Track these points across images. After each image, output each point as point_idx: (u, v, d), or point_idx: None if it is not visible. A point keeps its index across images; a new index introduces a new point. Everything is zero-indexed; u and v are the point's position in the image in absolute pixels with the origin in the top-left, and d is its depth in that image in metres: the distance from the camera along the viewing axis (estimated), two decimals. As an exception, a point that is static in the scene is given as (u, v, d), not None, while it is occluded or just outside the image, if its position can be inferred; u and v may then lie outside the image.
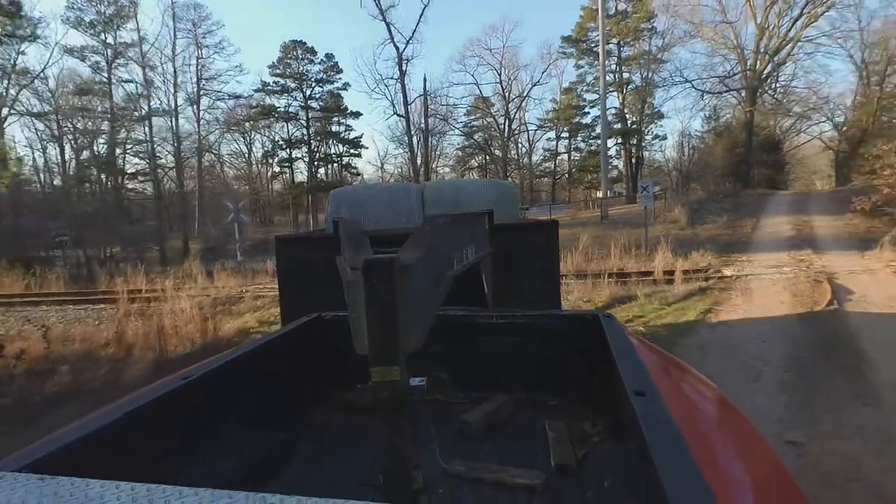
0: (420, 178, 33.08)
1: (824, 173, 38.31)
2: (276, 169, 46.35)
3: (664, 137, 39.94)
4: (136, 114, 33.69)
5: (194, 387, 1.46)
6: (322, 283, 2.23)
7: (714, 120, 35.64)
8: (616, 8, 35.74)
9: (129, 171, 34.81)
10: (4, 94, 27.76)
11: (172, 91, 34.09)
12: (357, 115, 43.98)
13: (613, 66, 36.06)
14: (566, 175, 44.15)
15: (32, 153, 33.61)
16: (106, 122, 32.95)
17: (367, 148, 46.66)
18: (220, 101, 38.61)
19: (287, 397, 1.92)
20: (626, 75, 36.95)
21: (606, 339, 1.70)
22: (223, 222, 17.27)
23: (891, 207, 15.40)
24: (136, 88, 33.78)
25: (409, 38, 31.43)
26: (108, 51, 32.98)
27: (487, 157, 43.69)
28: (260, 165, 47.18)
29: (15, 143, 31.35)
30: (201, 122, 37.15)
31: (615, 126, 35.80)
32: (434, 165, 41.11)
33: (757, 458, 1.27)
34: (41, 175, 34.36)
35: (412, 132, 34.96)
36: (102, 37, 32.93)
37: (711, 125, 35.67)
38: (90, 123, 33.31)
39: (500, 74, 40.77)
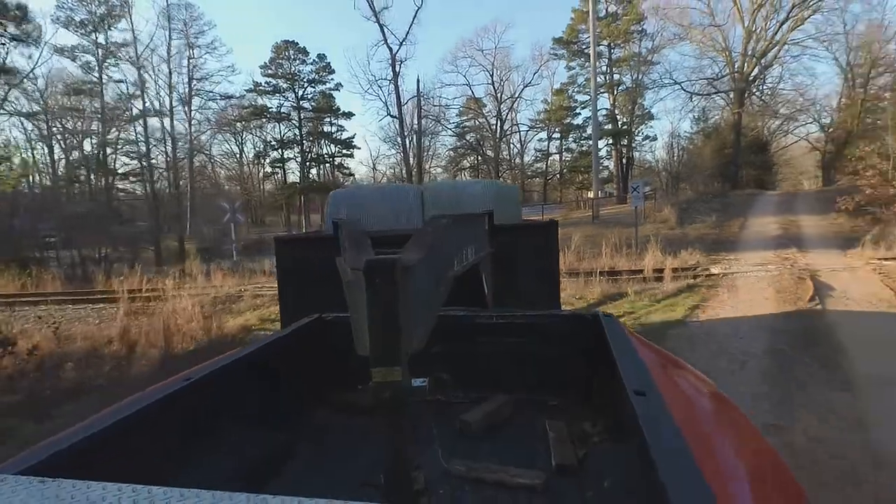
0: (413, 179, 33.23)
1: (811, 174, 38.92)
2: (268, 169, 46.29)
3: (654, 138, 40.41)
4: (126, 114, 33.58)
5: (196, 388, 1.47)
6: (322, 283, 2.26)
7: (703, 121, 36.18)
8: (607, 10, 36.09)
9: (120, 172, 34.66)
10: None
11: (168, 92, 34.00)
12: (349, 115, 44.07)
13: (604, 68, 36.41)
14: (558, 175, 44.47)
15: (20, 153, 33.37)
16: (97, 123, 32.80)
17: (359, 148, 46.76)
18: (211, 102, 38.53)
19: (288, 398, 1.92)
20: (616, 77, 37.33)
21: (607, 338, 1.71)
22: (219, 222, 17.35)
23: (873, 207, 15.84)
24: (127, 88, 33.65)
25: (403, 40, 31.62)
26: (100, 51, 32.83)
27: (479, 158, 43.91)
28: (251, 166, 47.11)
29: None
30: (193, 123, 37.11)
31: (606, 127, 36.13)
32: (427, 166, 41.32)
33: (757, 457, 1.28)
34: (31, 175, 34.12)
35: (405, 133, 35.13)
36: (93, 36, 32.79)
37: (700, 126, 36.19)
38: (80, 123, 33.15)
39: (491, 75, 41.06)
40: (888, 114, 19.49)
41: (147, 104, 33.60)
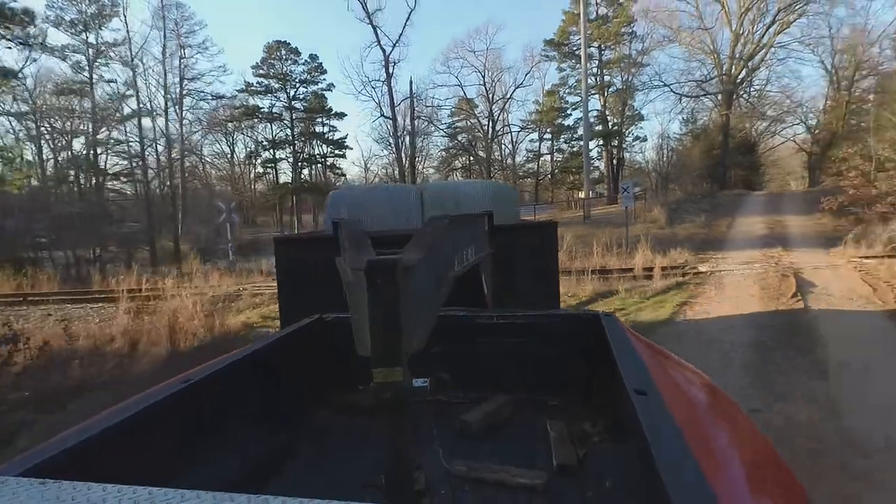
0: (406, 180, 33.39)
1: (798, 174, 39.55)
2: (260, 170, 46.23)
3: (644, 139, 40.85)
4: (117, 114, 33.41)
5: (196, 389, 1.46)
6: (321, 283, 2.28)
7: (692, 123, 36.68)
8: (597, 12, 36.47)
9: (111, 172, 34.48)
10: None
11: (164, 93, 33.86)
12: (342, 115, 44.12)
13: (595, 70, 36.75)
14: (549, 176, 44.77)
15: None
16: (87, 122, 32.61)
17: (351, 149, 46.76)
18: (203, 102, 38.40)
19: (288, 399, 1.92)
20: (607, 78, 37.69)
21: (607, 338, 1.71)
22: (215, 222, 17.42)
23: (855, 207, 16.26)
24: (117, 88, 33.48)
25: (396, 42, 31.75)
26: (90, 50, 32.65)
27: (471, 158, 44.13)
28: (243, 166, 47.00)
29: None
30: (184, 123, 36.98)
31: (597, 128, 36.49)
32: (420, 167, 41.50)
33: (758, 456, 1.28)
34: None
35: (399, 134, 35.28)
36: (84, 36, 32.61)
37: (689, 128, 36.69)
38: (69, 123, 32.95)
39: (483, 76, 41.24)
40: (871, 116, 19.96)
41: (137, 103, 33.44)
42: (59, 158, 34.26)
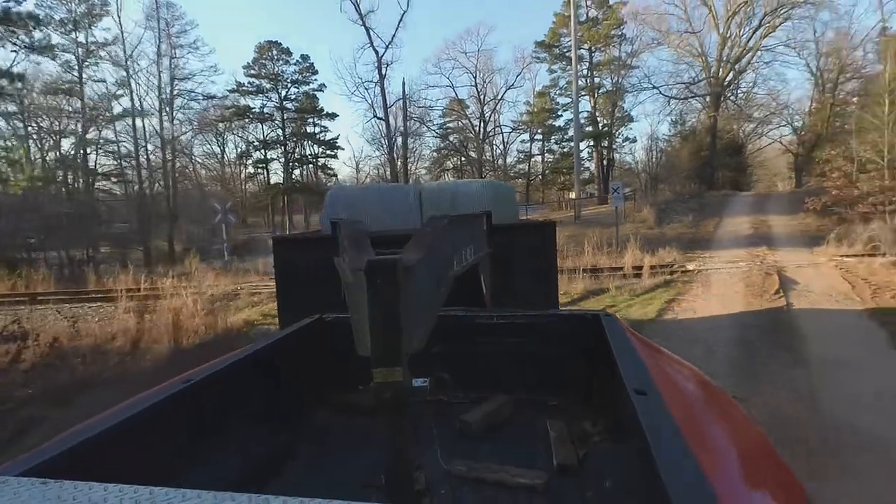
0: (399, 180, 33.53)
1: (785, 175, 40.12)
2: (251, 170, 46.12)
3: (634, 140, 41.25)
4: (107, 114, 33.23)
5: (196, 389, 1.46)
6: (320, 283, 2.29)
7: (680, 124, 37.15)
8: (587, 15, 36.85)
9: (102, 172, 34.26)
10: None
11: (157, 93, 33.72)
12: (333, 116, 44.14)
13: (585, 71, 37.11)
14: (540, 176, 45.10)
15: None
16: (78, 122, 32.39)
17: (343, 149, 46.75)
18: (193, 102, 38.25)
19: (288, 399, 1.92)
20: (597, 80, 38.08)
21: (607, 338, 1.71)
22: (210, 222, 17.48)
23: (838, 208, 16.71)
24: (107, 88, 33.30)
25: (389, 43, 31.90)
26: (80, 49, 32.46)
27: (463, 159, 44.35)
28: (234, 166, 46.84)
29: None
30: (175, 123, 36.83)
31: (587, 129, 36.87)
32: (413, 168, 41.65)
33: (758, 456, 1.29)
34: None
35: (391, 134, 35.43)
36: (74, 35, 32.41)
37: (678, 129, 37.14)
38: (57, 123, 32.71)
39: (475, 77, 41.49)
40: (854, 119, 20.45)
41: (128, 104, 33.29)
42: (47, 158, 34.00)
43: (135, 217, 27.20)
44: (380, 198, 4.22)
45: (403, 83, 34.75)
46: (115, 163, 34.55)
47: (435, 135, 43.45)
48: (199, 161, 43.40)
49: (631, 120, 39.33)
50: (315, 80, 43.17)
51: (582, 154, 34.00)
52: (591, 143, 38.27)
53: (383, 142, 37.22)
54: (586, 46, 36.39)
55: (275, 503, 0.59)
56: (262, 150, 43.83)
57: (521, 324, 2.13)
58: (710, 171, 31.79)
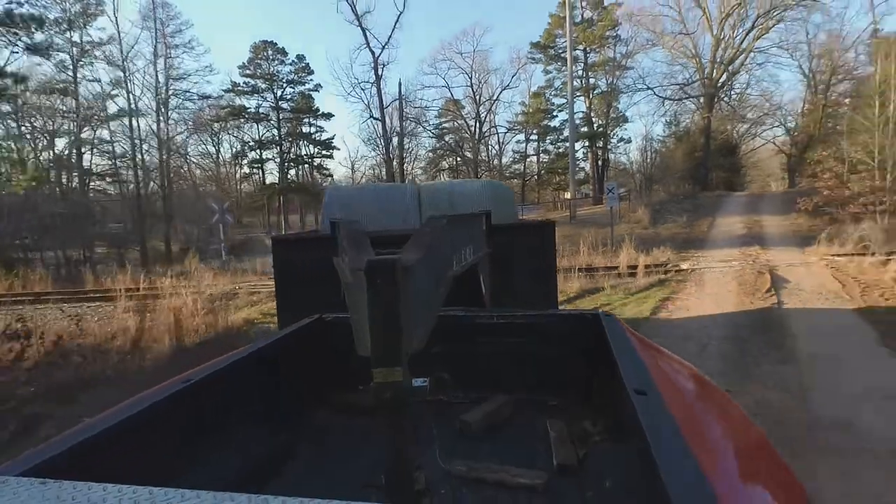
0: (395, 180, 33.61)
1: (778, 175, 40.46)
2: (246, 170, 46.07)
3: (629, 140, 41.48)
4: (102, 113, 33.12)
5: (195, 389, 1.46)
6: (319, 283, 2.30)
7: (674, 125, 37.39)
8: (582, 16, 37.04)
9: (96, 172, 34.16)
10: None
11: (154, 93, 33.63)
12: (329, 116, 44.17)
13: (580, 72, 37.28)
14: (535, 177, 45.25)
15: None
16: (71, 122, 32.27)
17: (338, 149, 46.75)
18: (188, 102, 38.15)
19: (288, 399, 1.91)
20: (592, 81, 38.26)
21: (607, 338, 1.71)
22: (208, 222, 17.51)
23: (830, 208, 16.93)
24: (102, 88, 33.19)
25: (385, 44, 31.97)
26: (75, 49, 32.34)
27: (458, 159, 44.46)
28: (229, 166, 46.76)
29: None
30: (170, 123, 36.74)
31: (582, 129, 37.06)
32: (410, 168, 41.74)
33: (759, 456, 1.29)
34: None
35: (388, 135, 35.50)
36: (68, 34, 32.29)
37: (672, 130, 37.39)
38: (51, 123, 32.57)
39: (470, 78, 41.61)
40: (845, 120, 20.69)
41: (123, 104, 33.20)
42: (41, 158, 33.84)
43: (129, 217, 27.14)
44: (378, 198, 4.24)
45: (400, 84, 34.87)
46: (110, 163, 34.48)
47: (431, 135, 43.56)
48: (195, 161, 43.32)
49: (626, 120, 39.58)
50: (311, 80, 43.19)
51: (577, 154, 34.25)
52: (587, 143, 38.44)
53: (379, 142, 37.27)
54: (581, 47, 36.56)
55: (274, 503, 0.59)
56: (258, 150, 43.81)
57: (521, 324, 2.13)
58: (704, 172, 32.05)
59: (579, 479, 1.47)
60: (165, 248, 24.12)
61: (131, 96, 32.84)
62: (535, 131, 43.23)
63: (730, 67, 33.10)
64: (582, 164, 40.58)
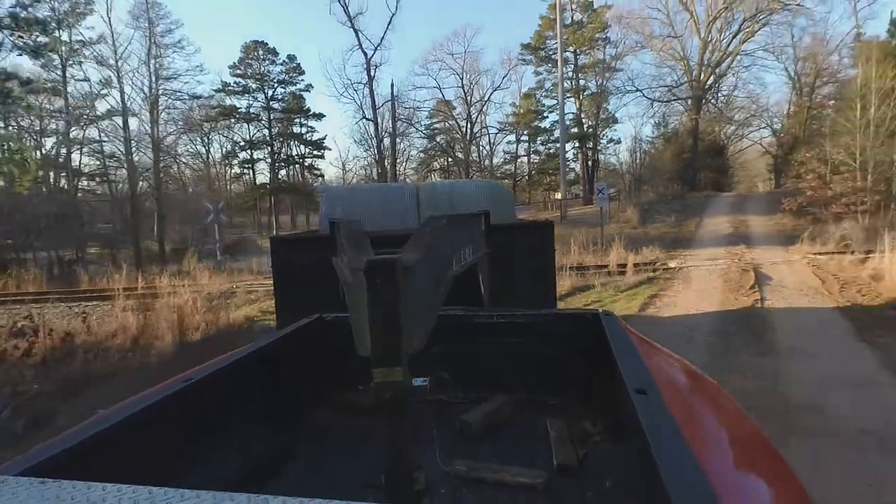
0: (387, 180, 33.77)
1: (765, 176, 41.09)
2: (237, 170, 45.96)
3: (618, 141, 41.97)
4: (90, 113, 32.94)
5: (195, 389, 1.46)
6: (317, 283, 2.33)
7: (663, 126, 37.95)
8: (572, 18, 37.46)
9: (86, 172, 33.97)
10: None
11: (147, 93, 33.49)
12: (320, 116, 44.19)
13: (570, 73, 37.66)
14: (526, 177, 45.57)
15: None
16: (59, 122, 32.07)
17: (329, 149, 46.77)
18: (179, 102, 38.00)
19: (288, 399, 1.91)
20: (582, 82, 38.70)
21: (607, 338, 1.71)
22: (203, 222, 17.59)
23: (813, 208, 17.38)
24: (91, 87, 33.01)
25: (378, 45, 32.14)
26: (64, 48, 32.12)
27: (450, 160, 44.67)
28: (219, 166, 46.59)
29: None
30: (160, 123, 36.59)
31: (572, 130, 37.44)
32: (402, 168, 41.90)
33: (759, 456, 1.28)
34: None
35: (380, 135, 35.68)
36: (57, 33, 32.06)
37: (661, 131, 37.94)
38: (38, 122, 32.34)
39: (461, 79, 41.84)
40: (828, 122, 21.22)
41: (117, 104, 33.04)
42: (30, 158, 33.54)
43: (118, 217, 27.04)
44: (377, 198, 4.28)
45: (392, 85, 35.04)
46: (99, 163, 34.29)
47: (422, 135, 43.74)
48: (184, 161, 43.13)
49: (615, 122, 40.04)
50: (302, 80, 43.20)
51: (567, 155, 34.56)
52: (577, 144, 38.82)
53: (371, 142, 37.43)
54: (571, 49, 36.95)
55: (274, 503, 0.59)
56: (248, 151, 43.73)
57: (521, 323, 2.13)
58: (693, 173, 32.57)
59: (579, 478, 1.47)
60: (159, 248, 24.11)
61: (118, 95, 32.71)
62: (525, 132, 43.54)
63: (717, 70, 33.72)
64: (572, 165, 40.93)
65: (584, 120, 38.89)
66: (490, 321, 2.16)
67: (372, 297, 1.00)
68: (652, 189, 32.61)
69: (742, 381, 4.55)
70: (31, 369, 5.95)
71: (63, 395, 5.51)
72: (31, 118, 32.61)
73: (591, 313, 2.08)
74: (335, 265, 1.50)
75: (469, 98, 42.38)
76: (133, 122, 33.43)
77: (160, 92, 35.84)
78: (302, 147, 45.41)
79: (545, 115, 41.91)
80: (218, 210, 15.92)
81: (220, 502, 0.61)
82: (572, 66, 37.79)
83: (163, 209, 29.37)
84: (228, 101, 42.03)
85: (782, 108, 35.82)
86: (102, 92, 32.83)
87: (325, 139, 45.22)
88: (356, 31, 31.46)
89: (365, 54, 32.25)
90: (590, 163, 38.84)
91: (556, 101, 34.45)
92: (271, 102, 42.90)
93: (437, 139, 44.60)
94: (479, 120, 43.48)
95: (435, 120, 44.55)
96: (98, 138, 33.61)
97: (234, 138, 43.61)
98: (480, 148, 45.46)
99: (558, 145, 32.23)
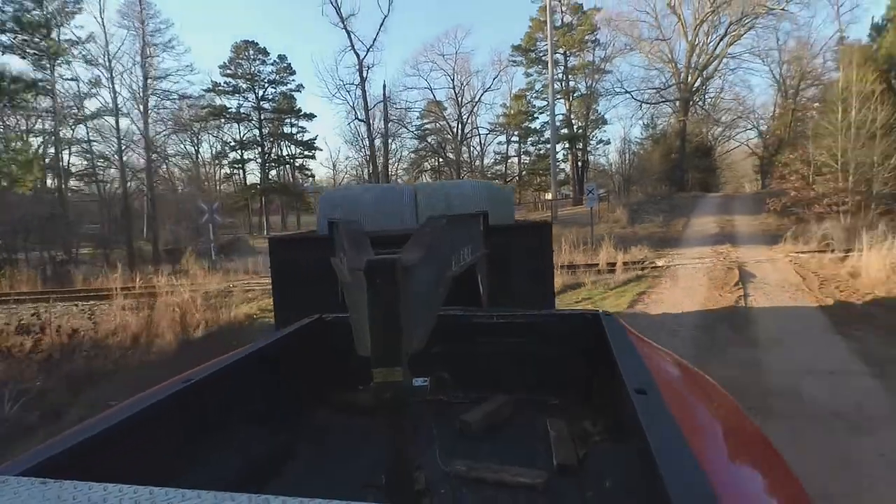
0: (379, 180, 33.91)
1: (752, 177, 41.81)
2: (227, 170, 45.80)
3: (608, 142, 42.57)
4: (77, 112, 32.71)
5: (195, 389, 1.46)
6: (316, 283, 2.33)
7: (651, 128, 38.53)
8: (562, 20, 37.90)
9: (75, 172, 33.75)
10: None
11: (141, 93, 33.31)
12: (311, 116, 44.19)
13: (560, 75, 38.07)
14: (517, 178, 45.92)
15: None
16: (46, 121, 31.81)
17: (321, 150, 46.77)
18: (168, 101, 37.81)
19: (288, 399, 1.91)
20: (572, 84, 39.19)
21: (607, 338, 1.71)
22: (196, 222, 17.64)
23: (796, 208, 17.83)
24: (79, 87, 32.77)
25: (370, 47, 32.30)
26: (52, 48, 31.85)
27: (441, 160, 44.89)
28: (209, 166, 46.40)
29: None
30: (150, 123, 36.39)
31: (563, 131, 37.85)
32: (394, 169, 42.04)
33: (759, 456, 1.29)
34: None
35: (372, 136, 35.82)
36: (45, 31, 31.79)
37: (649, 132, 38.52)
38: (25, 122, 32.06)
39: (452, 80, 42.09)
40: (811, 124, 21.74)
41: (107, 103, 32.84)
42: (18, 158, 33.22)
43: (107, 217, 26.92)
44: (375, 198, 4.21)
45: (384, 86, 35.21)
46: (87, 163, 34.06)
47: (413, 136, 43.91)
48: (174, 161, 42.89)
49: (605, 123, 40.56)
50: (293, 80, 43.23)
51: (558, 156, 34.91)
52: (567, 145, 39.24)
53: (363, 143, 37.55)
54: (561, 51, 37.38)
55: (275, 503, 0.59)
56: (239, 151, 43.63)
57: (521, 323, 2.14)
58: (680, 174, 33.11)
59: (579, 478, 1.47)
60: (153, 248, 24.07)
61: (108, 95, 32.52)
62: (516, 133, 43.90)
63: (704, 72, 34.37)
64: (562, 166, 41.33)
65: (573, 121, 39.34)
66: (490, 321, 2.17)
67: (372, 297, 1.01)
68: (641, 189, 33.08)
69: (725, 370, 4.81)
70: (36, 365, 6.06)
71: (70, 391, 5.62)
72: (17, 117, 32.42)
73: (590, 313, 2.08)
74: (334, 265, 1.53)
75: (460, 99, 42.67)
76: (123, 122, 33.16)
77: (151, 92, 35.70)
78: (293, 147, 45.41)
79: (535, 116, 42.37)
80: (213, 210, 16.01)
81: (221, 502, 0.61)
82: (562, 67, 38.22)
83: (154, 209, 29.29)
84: (219, 101, 41.94)
85: (768, 109, 36.61)
86: (92, 91, 32.64)
87: (316, 139, 45.26)
88: (348, 33, 31.67)
89: (357, 55, 32.42)
90: (580, 163, 39.29)
91: (546, 103, 34.88)
92: (262, 102, 42.86)
93: (429, 140, 44.80)
94: (469, 121, 43.79)
95: (426, 121, 44.77)
96: (87, 138, 33.44)
97: (225, 138, 43.51)
98: (471, 148, 45.77)
99: (548, 146, 32.62)
